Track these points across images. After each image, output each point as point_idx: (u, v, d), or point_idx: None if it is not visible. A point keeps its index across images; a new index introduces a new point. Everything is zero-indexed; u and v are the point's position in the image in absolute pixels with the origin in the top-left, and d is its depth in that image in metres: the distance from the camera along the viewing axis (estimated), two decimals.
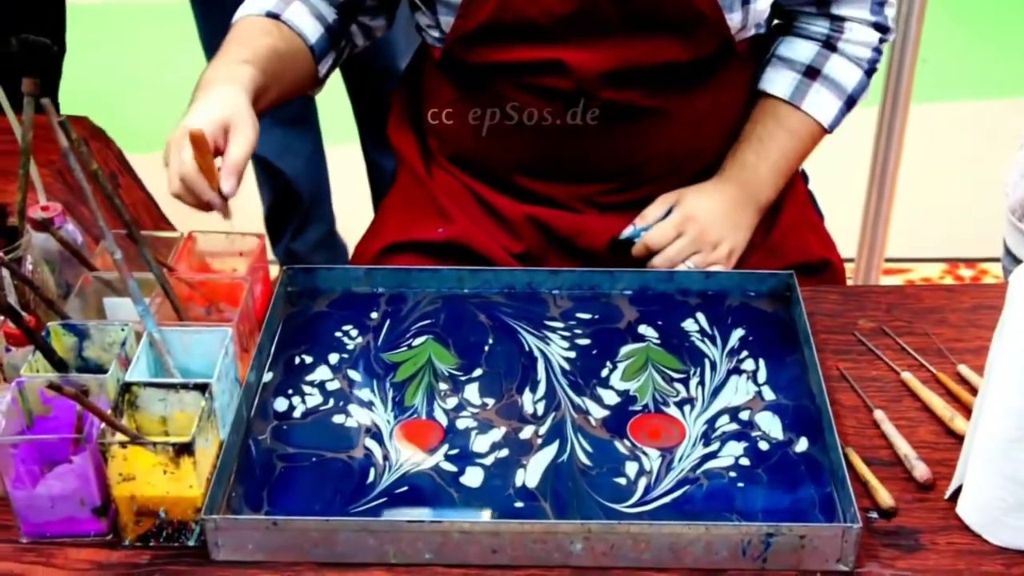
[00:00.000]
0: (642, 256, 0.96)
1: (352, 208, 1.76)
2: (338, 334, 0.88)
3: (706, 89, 0.95)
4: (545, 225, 0.99)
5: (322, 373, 0.84)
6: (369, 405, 0.81)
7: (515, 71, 0.92)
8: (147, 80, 2.38)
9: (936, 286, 1.04)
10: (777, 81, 0.99)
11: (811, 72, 0.98)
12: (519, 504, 0.74)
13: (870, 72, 1.00)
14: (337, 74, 1.60)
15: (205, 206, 0.83)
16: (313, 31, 0.96)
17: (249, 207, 1.74)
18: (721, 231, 0.95)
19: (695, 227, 0.94)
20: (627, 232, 0.97)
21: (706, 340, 0.87)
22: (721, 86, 0.96)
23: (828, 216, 1.10)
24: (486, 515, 0.73)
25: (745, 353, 0.86)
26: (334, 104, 1.63)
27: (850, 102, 1.00)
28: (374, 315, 0.90)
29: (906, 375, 0.85)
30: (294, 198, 1.66)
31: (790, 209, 1.03)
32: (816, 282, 1.00)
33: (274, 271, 0.93)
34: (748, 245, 0.99)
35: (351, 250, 1.08)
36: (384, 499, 0.74)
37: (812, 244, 1.03)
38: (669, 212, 0.96)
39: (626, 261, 0.97)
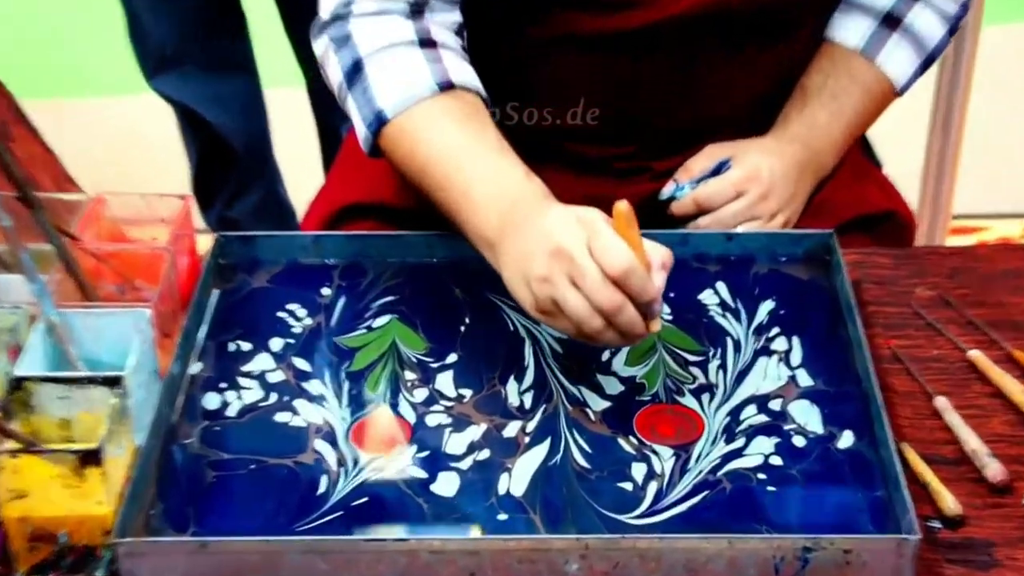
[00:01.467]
0: (685, 215, 0.96)
1: (301, 165, 1.74)
2: (282, 315, 0.88)
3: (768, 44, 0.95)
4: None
5: (262, 362, 0.84)
6: (320, 400, 0.81)
7: None
8: (44, 20, 2.36)
9: (1013, 246, 1.04)
10: (850, 28, 0.98)
11: (890, 21, 0.97)
12: (503, 516, 0.74)
13: (952, 31, 1.00)
14: (271, 6, 1.59)
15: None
16: (472, 74, 0.89)
17: (172, 167, 1.74)
18: (781, 198, 0.95)
19: (757, 189, 0.94)
20: (668, 190, 0.96)
21: (728, 315, 0.87)
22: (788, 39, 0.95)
23: (884, 166, 1.11)
24: (463, 530, 0.73)
25: (776, 330, 0.86)
26: (274, 39, 1.61)
27: (927, 62, 0.99)
28: (326, 291, 0.90)
29: (974, 354, 0.85)
30: (227, 154, 1.63)
31: (845, 158, 1.02)
32: (875, 241, 1.00)
33: (205, 242, 0.92)
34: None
35: (301, 216, 1.08)
36: (338, 514, 0.74)
37: (870, 194, 1.03)
38: (719, 169, 0.95)
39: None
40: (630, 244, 0.75)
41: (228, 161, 1.63)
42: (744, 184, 0.94)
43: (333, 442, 0.78)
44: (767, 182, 0.94)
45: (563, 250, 0.75)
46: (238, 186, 1.65)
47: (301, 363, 0.84)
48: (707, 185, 0.95)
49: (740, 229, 0.94)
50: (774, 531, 0.72)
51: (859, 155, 1.06)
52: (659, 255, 0.77)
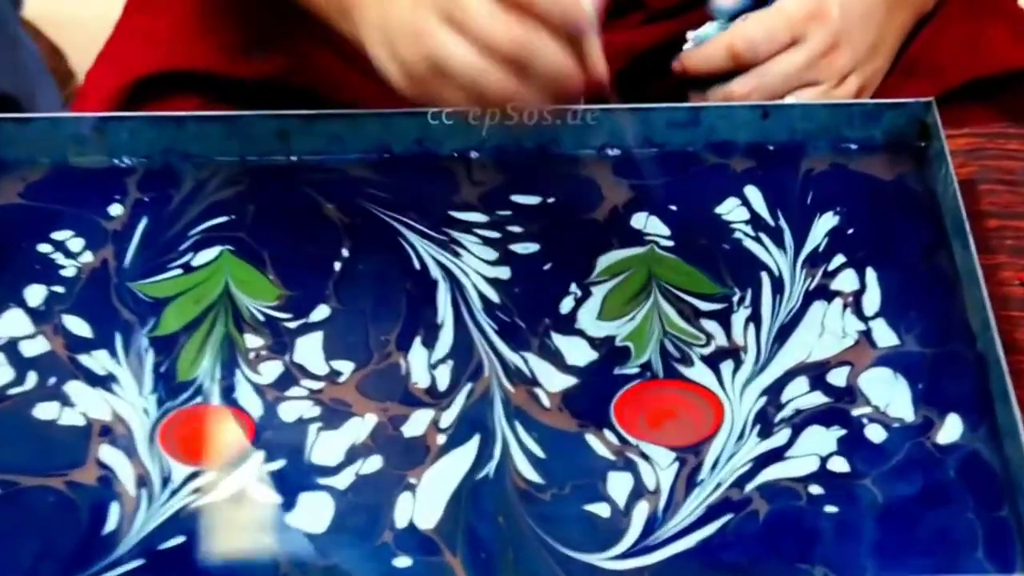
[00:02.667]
0: (710, 72, 0.96)
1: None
2: (44, 248, 0.88)
3: None
4: None
5: (13, 324, 0.84)
6: (108, 383, 0.81)
7: None
8: None
9: None
10: None
11: None
12: (403, 561, 0.74)
13: None
14: None
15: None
16: None
17: None
18: (857, 51, 0.97)
19: (822, 35, 0.95)
20: (697, 32, 0.96)
21: (764, 237, 0.88)
22: None
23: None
24: None
25: (840, 259, 0.87)
26: None
27: None
28: (116, 209, 0.90)
29: None
30: None
31: None
32: (1003, 116, 1.02)
33: None
34: None
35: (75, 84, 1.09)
36: (139, 563, 0.74)
37: (995, 41, 1.05)
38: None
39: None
40: None
41: None
42: (803, 25, 0.95)
43: (129, 450, 0.78)
44: (837, 24, 0.95)
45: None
46: None
47: (77, 325, 0.84)
48: (746, 21, 0.96)
49: (790, 99, 0.95)
50: (835, 575, 0.73)
51: None
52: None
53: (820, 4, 0.95)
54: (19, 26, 1.83)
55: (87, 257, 0.87)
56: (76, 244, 0.88)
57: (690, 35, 0.98)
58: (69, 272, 0.86)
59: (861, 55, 0.97)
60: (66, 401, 0.80)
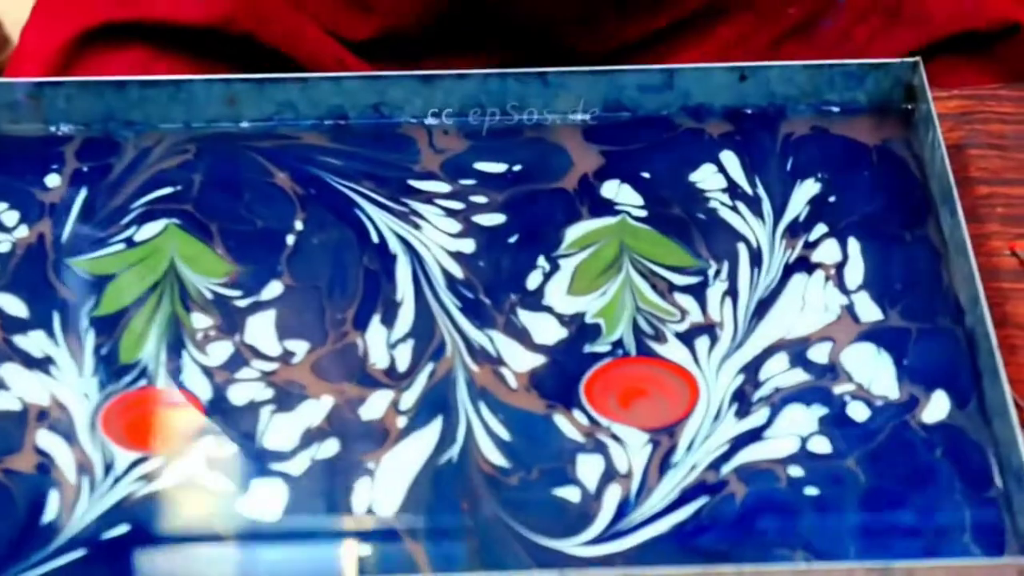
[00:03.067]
0: None
1: None
2: None
3: None
4: None
5: None
6: (46, 365, 0.82)
7: None
8: None
9: None
10: None
11: None
12: (362, 549, 0.74)
13: None
14: None
15: None
16: None
17: None
18: None
19: None
20: None
21: (741, 206, 0.89)
22: None
23: None
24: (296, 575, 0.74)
25: (822, 229, 0.88)
26: None
27: None
28: (53, 180, 0.90)
29: None
30: None
31: None
32: (993, 74, 1.03)
33: None
34: (849, 6, 1.02)
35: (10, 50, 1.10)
36: (80, 553, 0.74)
37: None
38: None
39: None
40: None
41: None
42: None
43: (69, 435, 0.79)
44: None
45: None
46: None
47: (11, 304, 0.84)
48: None
49: None
50: (816, 559, 0.73)
51: None
52: None
53: None
54: None
55: (22, 231, 0.87)
56: (10, 218, 0.88)
57: None
58: (3, 247, 0.87)
59: None
60: (1, 385, 0.80)
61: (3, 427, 0.79)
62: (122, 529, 0.75)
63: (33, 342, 0.82)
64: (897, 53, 0.98)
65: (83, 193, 0.89)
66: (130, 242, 0.87)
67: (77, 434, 0.78)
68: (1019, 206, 0.90)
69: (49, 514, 0.75)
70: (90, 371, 0.81)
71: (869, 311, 0.84)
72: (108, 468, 0.77)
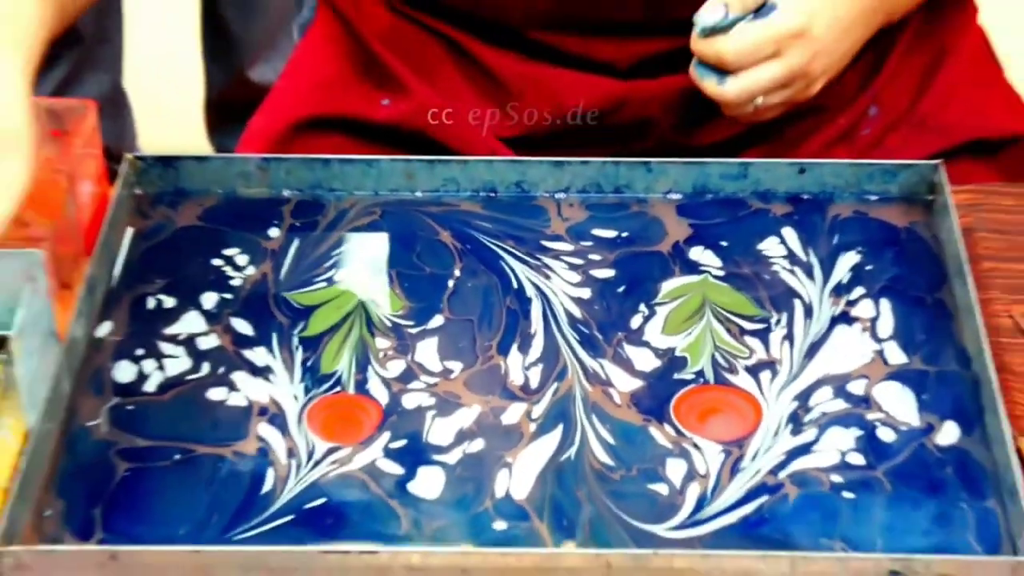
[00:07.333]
0: (704, 59, 0.91)
1: (150, 52, 1.88)
2: (217, 262, 0.89)
3: None
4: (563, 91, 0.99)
5: (191, 323, 0.85)
6: (266, 372, 0.82)
7: None
8: None
9: None
10: None
11: None
12: (500, 524, 0.74)
13: None
14: None
15: None
16: None
17: None
18: (830, 61, 0.93)
19: (802, 51, 0.91)
20: (711, 17, 0.89)
21: (798, 270, 0.88)
22: None
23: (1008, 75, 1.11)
24: (449, 542, 0.73)
25: (860, 291, 0.87)
26: None
27: None
28: (274, 232, 0.90)
29: None
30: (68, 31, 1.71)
31: (959, 56, 1.03)
32: (997, 174, 1.01)
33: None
34: (885, 116, 1.00)
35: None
36: (289, 518, 0.74)
37: (991, 110, 1.03)
38: (762, 8, 0.91)
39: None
40: None
41: (69, 37, 1.67)
42: (788, 41, 0.89)
43: (282, 427, 0.79)
44: (816, 41, 0.90)
45: None
46: (75, 70, 1.71)
47: (241, 325, 0.85)
48: (742, 34, 0.89)
49: (761, 100, 0.91)
50: (851, 550, 0.72)
51: (981, 52, 1.06)
52: None
53: (808, 23, 0.90)
54: (125, 92, 1.88)
55: (250, 271, 0.88)
56: (242, 260, 0.88)
57: (703, 17, 0.89)
58: (236, 282, 0.87)
59: (833, 64, 0.93)
60: (232, 387, 0.81)
61: (234, 419, 0.79)
62: (319, 501, 0.75)
63: (257, 355, 0.83)
64: (921, 156, 0.98)
65: (296, 243, 0.90)
66: (330, 281, 0.87)
67: (288, 427, 0.79)
68: (1016, 279, 0.89)
69: (266, 487, 0.76)
70: (298, 378, 0.81)
71: (896, 356, 0.83)
72: (310, 454, 0.77)
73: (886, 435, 0.78)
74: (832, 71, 0.94)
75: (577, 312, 0.85)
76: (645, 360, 0.83)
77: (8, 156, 0.70)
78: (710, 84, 0.91)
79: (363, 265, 0.88)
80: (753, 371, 0.82)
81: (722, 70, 0.90)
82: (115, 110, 1.83)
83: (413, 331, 0.84)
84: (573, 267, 0.88)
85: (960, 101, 1.02)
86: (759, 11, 0.90)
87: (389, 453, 0.78)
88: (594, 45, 0.98)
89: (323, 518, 0.74)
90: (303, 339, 0.84)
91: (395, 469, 0.77)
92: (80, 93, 1.70)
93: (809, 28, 0.90)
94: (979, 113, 1.03)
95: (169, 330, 0.84)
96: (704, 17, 0.89)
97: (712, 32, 0.90)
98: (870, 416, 0.79)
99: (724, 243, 0.89)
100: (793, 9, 0.90)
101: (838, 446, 0.78)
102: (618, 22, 0.97)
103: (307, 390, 0.81)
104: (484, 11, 0.98)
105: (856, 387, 0.81)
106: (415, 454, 0.77)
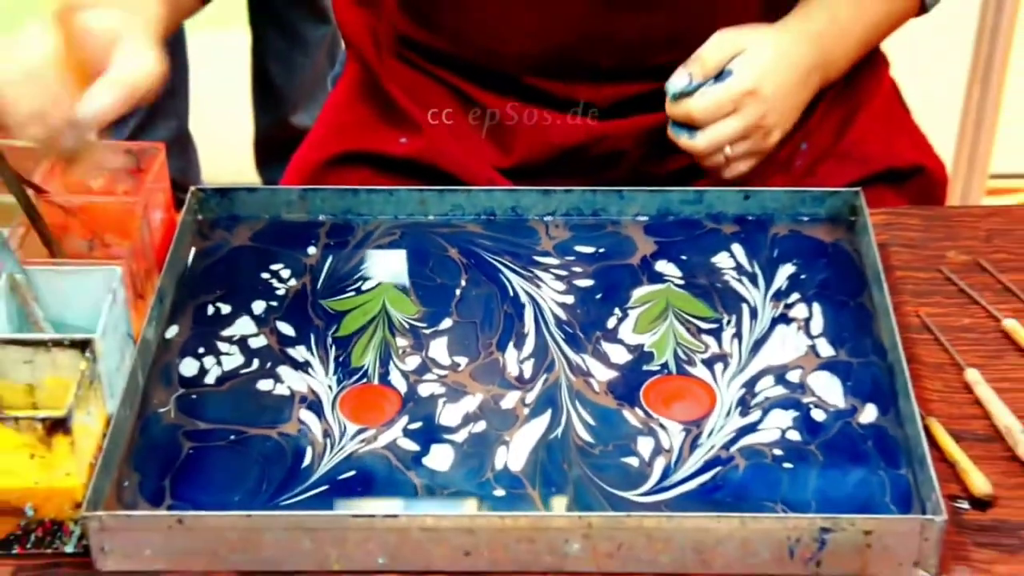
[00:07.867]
0: (676, 119, 0.93)
1: (210, 101, 1.88)
2: (265, 275, 0.89)
3: None
4: (550, 130, 0.99)
5: (243, 326, 0.85)
6: (305, 367, 0.82)
7: None
8: None
9: None
10: None
11: None
12: (499, 492, 0.74)
13: None
14: None
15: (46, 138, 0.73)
16: None
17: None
18: (781, 114, 0.94)
19: (756, 108, 0.92)
20: (678, 83, 0.92)
21: (744, 279, 0.88)
22: None
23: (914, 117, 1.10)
24: (457, 507, 0.74)
25: (796, 296, 0.87)
26: None
27: None
28: (312, 250, 0.91)
29: (1010, 323, 0.85)
30: None
31: (874, 101, 1.03)
32: (904, 198, 1.00)
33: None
34: (815, 150, 1.00)
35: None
36: (324, 487, 0.75)
37: (900, 145, 1.03)
38: (720, 74, 0.92)
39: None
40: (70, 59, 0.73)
41: None
42: (742, 99, 0.92)
43: (319, 412, 0.79)
44: (769, 99, 0.92)
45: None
46: (147, 118, 1.73)
47: (285, 327, 0.85)
48: (705, 96, 0.92)
49: (729, 150, 0.93)
50: (790, 511, 0.72)
51: (892, 98, 1.06)
52: (107, 81, 0.73)
53: (759, 84, 0.91)
54: (190, 135, 1.89)
55: (292, 282, 0.88)
56: (285, 273, 0.88)
57: (674, 83, 0.92)
58: (281, 291, 0.87)
59: (784, 119, 0.94)
60: (278, 379, 0.81)
61: (279, 406, 0.79)
62: (350, 473, 0.75)
63: (298, 352, 0.83)
64: (845, 183, 0.98)
65: (330, 259, 0.89)
66: (358, 291, 0.87)
67: (324, 412, 0.79)
68: (923, 285, 0.89)
69: (306, 462, 0.76)
70: (332, 372, 0.82)
71: (826, 350, 0.83)
72: (342, 434, 0.78)
73: (818, 415, 0.79)
74: (784, 123, 0.95)
75: (563, 315, 0.86)
76: (619, 354, 0.83)
77: (146, 54, 0.75)
78: (683, 139, 0.93)
79: (385, 277, 0.89)
80: (708, 363, 0.82)
81: (692, 127, 0.93)
82: (182, 150, 1.84)
83: (427, 331, 0.84)
84: (559, 278, 0.88)
85: (875, 138, 1.02)
86: (719, 77, 0.92)
87: (407, 433, 0.78)
88: (578, 89, 0.98)
89: (353, 487, 0.75)
90: (336, 339, 0.84)
91: (412, 446, 0.77)
92: (152, 137, 1.72)
93: (760, 88, 0.92)
94: (891, 148, 1.02)
95: (225, 332, 0.84)
96: (674, 83, 0.93)
97: (681, 96, 0.92)
98: (805, 400, 0.79)
99: (684, 257, 0.89)
100: (746, 74, 0.92)
101: (779, 425, 0.78)
102: (599, 68, 0.97)
103: (339, 381, 0.81)
104: (484, 61, 0.99)
105: (793, 376, 0.81)
106: (429, 434, 0.78)
